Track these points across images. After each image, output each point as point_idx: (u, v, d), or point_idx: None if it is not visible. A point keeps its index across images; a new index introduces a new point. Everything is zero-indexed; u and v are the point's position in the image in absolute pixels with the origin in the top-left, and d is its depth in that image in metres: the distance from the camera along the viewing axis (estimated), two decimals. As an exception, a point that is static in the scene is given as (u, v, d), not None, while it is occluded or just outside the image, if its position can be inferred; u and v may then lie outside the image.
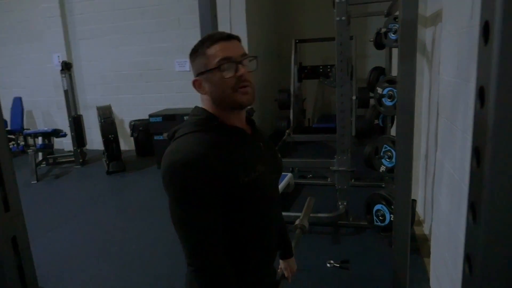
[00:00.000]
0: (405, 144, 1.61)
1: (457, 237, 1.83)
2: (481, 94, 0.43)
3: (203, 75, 1.03)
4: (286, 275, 1.39)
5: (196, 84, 1.07)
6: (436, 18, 2.93)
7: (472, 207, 0.46)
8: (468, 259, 0.48)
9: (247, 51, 1.08)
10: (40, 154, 5.96)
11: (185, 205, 0.95)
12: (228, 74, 1.00)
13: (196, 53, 1.05)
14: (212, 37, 1.03)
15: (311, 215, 3.22)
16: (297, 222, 1.66)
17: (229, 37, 1.03)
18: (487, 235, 0.44)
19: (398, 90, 1.47)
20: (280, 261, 1.41)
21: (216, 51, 1.00)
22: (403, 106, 1.49)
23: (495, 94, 0.40)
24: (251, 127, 1.14)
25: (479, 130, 0.43)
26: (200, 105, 1.10)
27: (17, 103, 7.06)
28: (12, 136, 7.01)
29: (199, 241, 0.96)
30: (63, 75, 5.77)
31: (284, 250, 1.39)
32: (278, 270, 1.38)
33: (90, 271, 2.98)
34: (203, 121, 1.04)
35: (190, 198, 0.95)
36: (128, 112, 6.77)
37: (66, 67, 5.78)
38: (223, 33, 1.04)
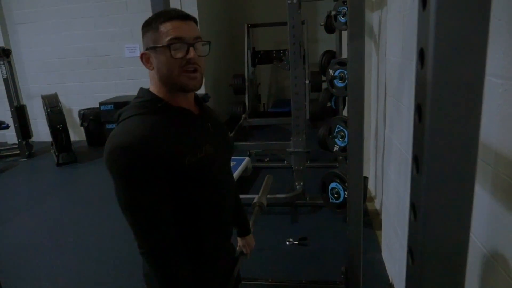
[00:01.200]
0: (356, 122, 1.69)
1: (405, 205, 1.97)
2: (421, 56, 0.47)
3: (153, 50, 1.00)
4: (245, 252, 1.41)
5: (143, 58, 1.04)
6: (381, 2, 3.05)
7: (416, 160, 0.51)
8: (413, 207, 0.53)
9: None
10: (-21, 148, 5.56)
11: (129, 189, 0.94)
12: (178, 55, 0.98)
13: (148, 26, 1.01)
14: (168, 13, 1.00)
15: (269, 196, 3.31)
16: (255, 200, 1.70)
17: (185, 17, 1.01)
18: (428, 183, 0.49)
19: (348, 70, 1.54)
20: (238, 238, 1.43)
21: (169, 29, 0.98)
22: (354, 85, 1.56)
23: (433, 56, 0.45)
24: (199, 107, 1.13)
25: (420, 88, 0.48)
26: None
27: (-50, 94, 6.49)
28: None
29: (146, 224, 0.96)
30: (1, 63, 5.38)
31: (242, 228, 1.41)
32: (237, 248, 1.41)
33: (45, 264, 2.86)
34: (147, 103, 1.02)
35: (134, 182, 0.93)
36: (76, 100, 6.46)
37: (4, 53, 5.39)
38: (180, 11, 1.01)
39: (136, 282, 2.50)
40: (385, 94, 2.71)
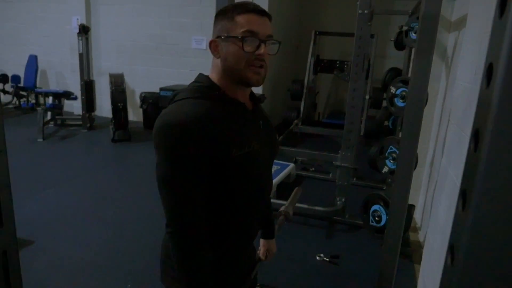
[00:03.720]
0: (409, 144, 1.57)
1: (450, 245, 1.79)
2: (489, 72, 0.39)
3: (224, 39, 1.00)
4: (262, 252, 1.37)
5: (212, 45, 1.04)
6: (460, 23, 2.85)
7: (463, 195, 0.43)
8: (451, 249, 0.45)
9: None
10: (49, 113, 6.00)
11: (172, 165, 0.94)
12: (248, 48, 0.98)
13: (224, 14, 1.01)
14: (246, 5, 0.99)
15: (307, 207, 3.22)
16: (281, 208, 1.64)
17: (263, 13, 1.01)
18: (474, 223, 0.41)
19: (410, 87, 1.43)
20: (261, 240, 1.40)
21: (245, 21, 0.98)
22: (412, 104, 1.45)
23: (504, 71, 0.37)
24: (253, 103, 1.12)
25: (481, 111, 0.40)
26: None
27: (32, 61, 7.09)
28: (24, 93, 7.07)
29: (181, 203, 0.95)
30: (80, 38, 5.77)
31: (267, 230, 1.39)
32: (258, 251, 1.37)
33: (82, 231, 3.01)
34: (204, 88, 1.02)
35: (179, 159, 0.93)
36: (140, 83, 6.77)
37: (84, 30, 5.77)
38: (258, 6, 1.01)
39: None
40: (448, 121, 2.51)
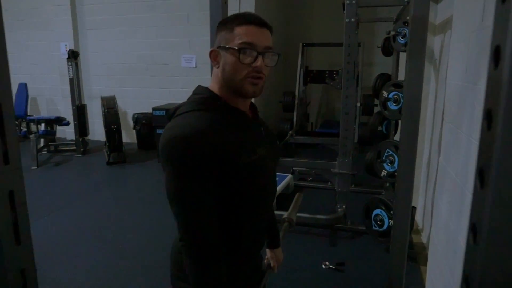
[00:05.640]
0: (409, 145, 1.59)
1: (456, 241, 1.81)
2: (496, 54, 0.42)
3: (223, 49, 1.01)
4: (272, 264, 1.36)
5: (212, 55, 1.04)
6: (445, 25, 2.93)
7: (480, 173, 0.45)
8: (473, 228, 0.46)
9: None
10: (42, 140, 5.96)
11: (183, 179, 0.93)
12: (245, 60, 0.98)
13: (224, 25, 1.02)
14: (246, 17, 1.00)
15: (309, 216, 3.23)
16: (285, 215, 1.65)
17: (262, 25, 1.01)
18: (494, 199, 0.42)
19: (405, 89, 1.46)
20: (267, 250, 1.39)
21: (243, 33, 0.98)
22: (409, 106, 1.48)
23: (511, 53, 0.39)
24: (253, 112, 1.13)
25: (492, 91, 0.42)
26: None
27: (22, 89, 7.07)
28: (16, 122, 7.02)
29: (194, 216, 0.94)
30: (70, 64, 5.78)
31: (273, 239, 1.37)
32: (265, 260, 1.37)
33: (83, 256, 2.97)
34: (205, 99, 1.03)
35: (189, 172, 0.93)
36: (132, 104, 6.78)
37: (73, 55, 5.80)
38: (258, 17, 1.01)
39: (167, 285, 2.51)
40: (442, 120, 2.55)
